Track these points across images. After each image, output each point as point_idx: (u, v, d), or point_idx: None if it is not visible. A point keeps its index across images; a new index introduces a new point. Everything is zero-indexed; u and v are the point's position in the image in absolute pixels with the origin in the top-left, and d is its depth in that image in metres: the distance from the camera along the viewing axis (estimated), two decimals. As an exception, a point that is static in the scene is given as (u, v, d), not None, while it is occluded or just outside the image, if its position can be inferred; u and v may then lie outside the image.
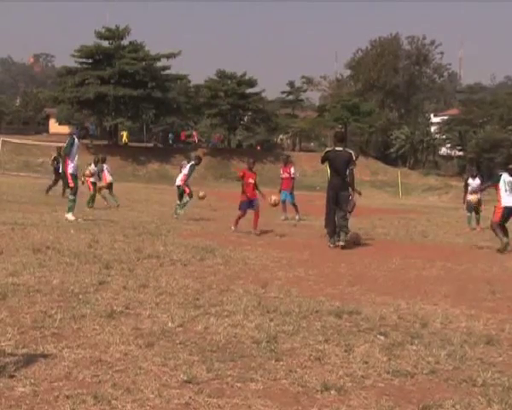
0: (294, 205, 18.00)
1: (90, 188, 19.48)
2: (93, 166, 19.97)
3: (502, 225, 12.58)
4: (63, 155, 14.06)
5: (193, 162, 16.80)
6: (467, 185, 19.82)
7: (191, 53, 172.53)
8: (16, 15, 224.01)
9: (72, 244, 9.78)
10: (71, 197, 13.84)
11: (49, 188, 22.90)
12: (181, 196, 16.74)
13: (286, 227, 15.55)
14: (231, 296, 6.55)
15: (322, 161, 12.20)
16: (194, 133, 66.08)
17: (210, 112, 57.65)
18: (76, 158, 13.91)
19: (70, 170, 13.80)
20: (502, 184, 12.55)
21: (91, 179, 19.48)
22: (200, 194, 17.22)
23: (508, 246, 12.22)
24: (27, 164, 46.72)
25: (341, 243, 11.65)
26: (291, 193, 18.20)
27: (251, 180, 14.11)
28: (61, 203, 18.48)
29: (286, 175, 18.46)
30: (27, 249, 8.90)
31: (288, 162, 19.29)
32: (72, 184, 13.81)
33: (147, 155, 53.37)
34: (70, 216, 13.60)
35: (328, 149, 12.86)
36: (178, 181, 16.79)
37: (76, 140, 13.92)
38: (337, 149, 11.99)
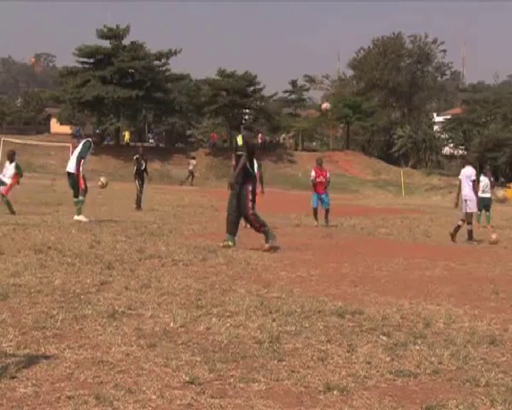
0: (328, 210, 16.89)
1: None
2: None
3: None
4: (79, 157, 13.96)
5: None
6: (478, 183, 19.53)
7: (193, 51, 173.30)
8: (17, 15, 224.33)
9: (74, 245, 9.79)
10: (81, 198, 13.86)
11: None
12: None
13: (288, 227, 15.53)
14: (233, 297, 6.53)
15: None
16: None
17: (211, 109, 57.43)
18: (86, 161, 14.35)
19: (82, 172, 13.97)
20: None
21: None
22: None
23: None
24: (29, 164, 46.61)
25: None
26: (327, 196, 17.09)
27: (321, 178, 16.29)
28: (62, 203, 18.50)
29: (321, 179, 17.11)
30: (29, 250, 8.90)
31: (323, 165, 17.78)
32: (83, 186, 13.92)
33: (148, 154, 53.31)
34: (82, 218, 13.65)
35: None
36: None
37: (92, 144, 14.43)
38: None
